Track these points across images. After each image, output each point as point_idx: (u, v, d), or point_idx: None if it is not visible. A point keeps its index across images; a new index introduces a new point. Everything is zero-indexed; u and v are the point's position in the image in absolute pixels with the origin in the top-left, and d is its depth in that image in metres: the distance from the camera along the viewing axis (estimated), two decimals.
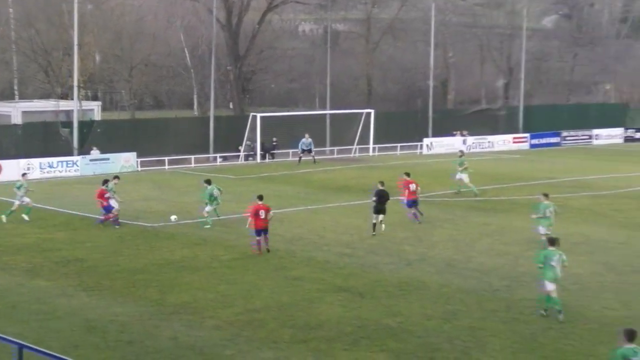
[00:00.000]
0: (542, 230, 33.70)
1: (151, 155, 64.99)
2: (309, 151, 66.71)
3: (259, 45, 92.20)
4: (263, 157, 69.10)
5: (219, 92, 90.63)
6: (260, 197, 34.56)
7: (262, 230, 33.59)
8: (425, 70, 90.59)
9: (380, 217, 37.67)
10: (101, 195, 39.48)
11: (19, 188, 41.08)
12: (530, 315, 25.01)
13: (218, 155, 68.55)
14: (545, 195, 35.13)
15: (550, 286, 24.86)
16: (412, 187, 40.44)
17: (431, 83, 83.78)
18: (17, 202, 40.90)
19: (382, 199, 37.70)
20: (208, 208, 39.50)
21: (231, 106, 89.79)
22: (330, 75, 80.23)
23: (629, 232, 37.91)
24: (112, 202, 39.67)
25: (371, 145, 73.58)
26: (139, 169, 62.24)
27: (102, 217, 39.50)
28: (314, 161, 66.08)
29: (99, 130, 65.36)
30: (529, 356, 21.67)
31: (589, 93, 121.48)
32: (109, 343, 22.52)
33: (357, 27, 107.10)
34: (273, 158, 69.83)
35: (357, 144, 74.05)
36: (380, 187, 38.10)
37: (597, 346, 22.31)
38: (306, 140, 66.99)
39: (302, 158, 66.35)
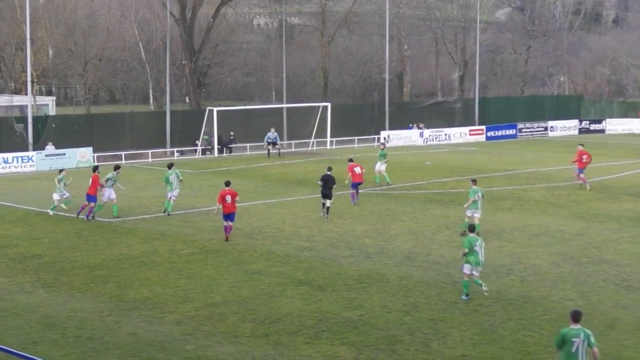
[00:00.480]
0: (468, 212, 35.49)
1: (107, 150, 64.61)
2: (275, 144, 66.91)
3: (214, 39, 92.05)
4: (220, 151, 68.93)
5: (175, 87, 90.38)
6: (227, 183, 35.44)
7: (229, 215, 34.40)
8: (381, 63, 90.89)
9: (328, 202, 39.13)
10: (95, 183, 39.10)
11: None
12: (490, 306, 25.10)
13: (175, 149, 68.28)
14: (474, 181, 37.06)
15: (468, 269, 26.13)
16: (357, 170, 43.34)
17: (387, 76, 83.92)
18: None
19: (327, 183, 39.24)
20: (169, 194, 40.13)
21: (187, 100, 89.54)
22: (286, 69, 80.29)
23: (586, 223, 38.18)
24: (108, 191, 39.67)
25: (328, 139, 73.60)
26: (96, 164, 61.72)
27: (81, 207, 39.42)
28: (279, 154, 66.21)
29: (53, 125, 64.83)
30: (489, 347, 21.72)
31: (543, 85, 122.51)
32: (68, 339, 22.31)
33: (312, 20, 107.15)
34: (230, 152, 69.68)
35: (315, 138, 74.04)
36: (327, 172, 39.79)
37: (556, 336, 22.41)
38: (272, 134, 67.34)
39: (271, 151, 66.85)
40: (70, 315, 24.39)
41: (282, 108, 78.01)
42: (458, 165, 60.09)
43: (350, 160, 44.97)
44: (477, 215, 35.38)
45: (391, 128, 79.16)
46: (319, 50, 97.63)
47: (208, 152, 69.10)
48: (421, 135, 78.87)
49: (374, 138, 77.16)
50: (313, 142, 74.16)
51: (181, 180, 40.74)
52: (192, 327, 23.29)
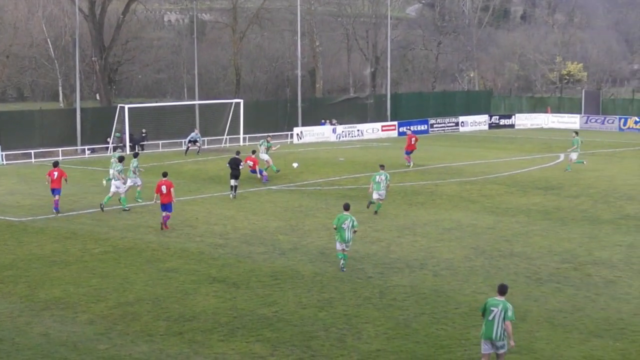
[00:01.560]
0: (375, 195, 39.11)
1: (16, 149, 63.62)
2: (195, 142, 66.88)
3: (124, 35, 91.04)
4: (132, 148, 68.23)
5: (85, 84, 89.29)
6: (165, 174, 36.90)
7: (165, 205, 35.72)
8: (293, 60, 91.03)
9: (236, 182, 44.25)
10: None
11: None
12: (403, 301, 25.26)
13: (86, 147, 67.44)
14: (382, 166, 41.26)
15: (339, 246, 28.71)
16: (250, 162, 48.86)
17: (299, 72, 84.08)
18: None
19: (233, 164, 44.43)
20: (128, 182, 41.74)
21: (98, 98, 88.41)
22: (198, 66, 79.87)
23: (497, 217, 38.68)
24: (132, 180, 42.00)
25: (241, 135, 73.40)
26: (4, 162, 60.80)
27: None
28: (198, 152, 66.42)
29: None
30: (403, 342, 21.86)
31: (454, 81, 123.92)
32: None
33: (223, 16, 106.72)
34: (143, 149, 69.06)
35: (227, 134, 73.80)
36: (235, 156, 45.47)
37: (469, 329, 22.64)
38: (195, 134, 68.05)
39: (190, 148, 67.18)
40: None
41: (194, 105, 77.65)
42: (371, 161, 60.37)
43: (253, 152, 50.62)
44: (379, 195, 39.20)
45: (304, 124, 79.29)
46: (231, 46, 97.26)
47: (120, 150, 68.35)
48: (334, 131, 79.12)
49: (287, 134, 77.22)
50: (226, 138, 73.90)
51: (135, 173, 42.52)
52: (105, 326, 23.03)
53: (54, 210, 39.70)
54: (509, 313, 18.78)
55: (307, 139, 76.25)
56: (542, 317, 23.66)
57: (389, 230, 35.65)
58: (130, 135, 67.90)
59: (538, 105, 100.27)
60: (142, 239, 33.99)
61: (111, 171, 42.20)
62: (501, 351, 18.93)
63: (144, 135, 69.90)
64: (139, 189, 42.56)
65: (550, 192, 45.88)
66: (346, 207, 28.93)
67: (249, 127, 74.31)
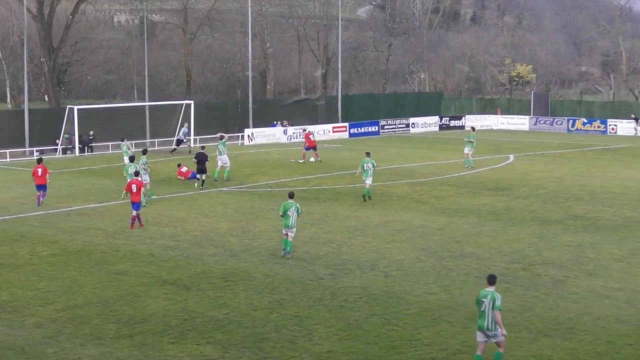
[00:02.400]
0: (367, 181, 43.38)
1: None
2: (181, 141, 68.09)
3: (73, 36, 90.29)
4: (82, 150, 67.75)
5: (33, 85, 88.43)
6: (136, 174, 38.31)
7: (134, 204, 36.37)
8: (244, 61, 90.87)
9: (204, 176, 47.07)
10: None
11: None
12: (355, 302, 25.29)
13: (35, 149, 66.77)
14: (367, 153, 44.78)
15: (284, 231, 31.03)
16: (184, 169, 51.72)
17: (250, 73, 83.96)
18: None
19: (201, 159, 47.04)
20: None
21: (46, 99, 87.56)
22: (148, 67, 79.44)
23: (447, 218, 38.86)
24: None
25: (192, 137, 73.03)
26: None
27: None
28: (172, 152, 67.02)
29: None
30: (354, 343, 21.88)
31: (404, 82, 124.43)
32: None
33: (174, 17, 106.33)
34: (92, 151, 68.53)
35: (178, 136, 73.36)
36: (201, 151, 47.99)
37: (420, 330, 22.73)
38: (185, 129, 69.20)
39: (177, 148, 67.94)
40: None
41: (144, 106, 77.19)
42: (322, 162, 60.41)
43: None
44: (368, 181, 43.39)
45: (255, 125, 79.11)
46: (182, 47, 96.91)
47: (69, 152, 67.85)
48: (285, 132, 79.08)
49: (238, 136, 77.03)
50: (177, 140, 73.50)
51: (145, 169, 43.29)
52: (53, 329, 22.81)
53: (37, 205, 41.52)
54: (497, 303, 19.53)
55: (258, 140, 76.12)
56: None
57: (340, 232, 35.68)
58: (80, 136, 67.37)
59: (488, 107, 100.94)
60: (92, 241, 33.74)
61: (131, 167, 42.16)
62: (494, 340, 19.72)
63: (91, 137, 69.27)
64: (148, 186, 42.82)
65: (500, 193, 46.19)
66: (291, 195, 31.44)
67: (200, 129, 73.99)
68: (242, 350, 21.32)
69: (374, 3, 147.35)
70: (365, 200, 42.90)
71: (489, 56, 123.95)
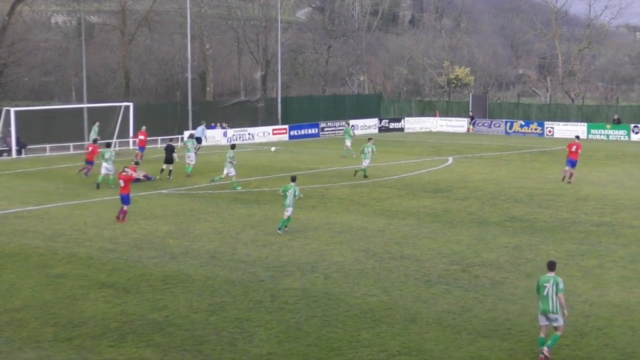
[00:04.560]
0: (364, 163, 52.84)
1: None
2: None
3: (9, 37, 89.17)
4: (19, 152, 66.98)
5: None
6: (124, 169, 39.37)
7: (123, 197, 38.19)
8: (183, 63, 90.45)
9: (171, 166, 51.89)
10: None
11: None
12: (295, 304, 25.31)
13: None
14: (370, 139, 54.10)
15: (290, 212, 35.28)
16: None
17: (189, 75, 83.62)
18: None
19: (167, 149, 52.19)
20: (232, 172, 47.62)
21: None
22: (86, 68, 78.83)
23: (387, 220, 39.03)
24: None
25: (131, 139, 72.57)
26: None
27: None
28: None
29: None
30: (295, 345, 21.90)
31: (344, 84, 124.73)
32: None
33: (112, 19, 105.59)
34: (26, 153, 67.75)
35: (117, 138, 72.87)
36: (169, 143, 53.15)
37: (360, 331, 22.80)
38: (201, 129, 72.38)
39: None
40: None
41: (82, 108, 76.54)
42: (262, 164, 60.44)
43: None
44: (365, 163, 52.90)
45: (194, 127, 78.72)
46: (120, 49, 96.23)
47: (5, 154, 67.06)
48: (225, 134, 78.94)
49: (178, 138, 76.69)
50: (115, 142, 72.94)
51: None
52: None
53: None
54: (561, 286, 20.72)
55: None
56: (431, 319, 23.93)
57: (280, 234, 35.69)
58: (17, 138, 66.63)
59: (427, 109, 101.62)
60: (30, 244, 33.40)
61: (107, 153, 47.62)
62: (554, 324, 20.81)
63: (21, 139, 68.22)
64: (234, 178, 47.75)
65: (439, 195, 46.51)
66: (293, 179, 36.01)
67: (139, 130, 73.40)
68: (182, 353, 21.24)
69: (313, 5, 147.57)
70: (357, 175, 53.08)
71: (427, 58, 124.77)
